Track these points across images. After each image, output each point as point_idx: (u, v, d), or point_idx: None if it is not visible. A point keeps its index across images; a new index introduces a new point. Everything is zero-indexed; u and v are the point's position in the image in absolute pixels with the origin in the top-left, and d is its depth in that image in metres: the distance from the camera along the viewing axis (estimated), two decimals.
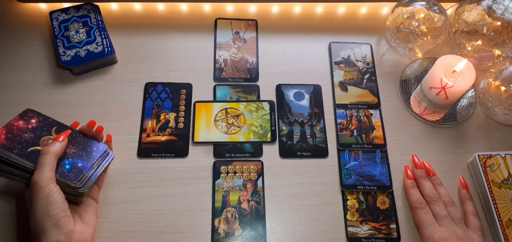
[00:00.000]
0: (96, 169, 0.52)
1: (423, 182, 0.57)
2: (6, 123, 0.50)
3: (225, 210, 0.57)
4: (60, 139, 0.49)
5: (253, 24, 0.73)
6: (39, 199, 0.44)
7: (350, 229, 0.56)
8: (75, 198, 0.49)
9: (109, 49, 0.65)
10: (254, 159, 0.61)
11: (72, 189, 0.48)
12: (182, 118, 0.63)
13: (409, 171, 0.59)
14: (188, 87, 0.66)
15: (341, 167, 0.61)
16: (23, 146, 0.48)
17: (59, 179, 0.47)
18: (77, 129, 0.54)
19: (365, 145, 0.63)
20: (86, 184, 0.49)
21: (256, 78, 0.68)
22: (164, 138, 0.62)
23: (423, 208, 0.54)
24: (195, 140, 0.62)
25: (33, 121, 0.52)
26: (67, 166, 0.49)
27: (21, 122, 0.51)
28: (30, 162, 0.47)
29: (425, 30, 0.66)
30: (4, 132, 0.49)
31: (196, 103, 0.65)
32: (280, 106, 0.65)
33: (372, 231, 0.56)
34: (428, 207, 0.55)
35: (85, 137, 0.54)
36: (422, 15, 0.66)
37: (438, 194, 0.56)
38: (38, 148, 0.49)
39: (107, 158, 0.54)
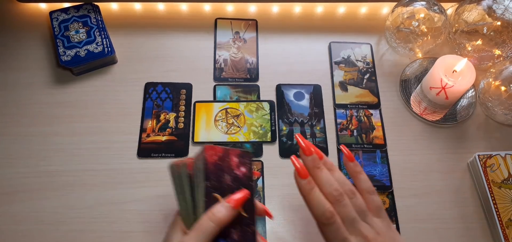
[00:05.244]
0: None
1: (318, 174, 0.41)
2: (228, 148, 0.42)
3: None
4: (232, 204, 0.38)
5: (253, 24, 0.73)
6: None
7: None
8: None
9: (109, 49, 0.65)
10: (254, 159, 0.61)
11: None
12: (182, 118, 0.63)
13: (298, 163, 0.41)
14: (188, 87, 0.66)
15: (341, 167, 0.61)
16: (215, 184, 0.39)
17: None
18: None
19: (365, 145, 0.63)
20: None
21: (256, 78, 0.68)
22: (164, 138, 0.62)
23: (332, 223, 0.39)
24: (195, 140, 0.62)
25: (243, 169, 0.42)
26: None
27: (236, 160, 0.42)
28: (206, 205, 0.38)
29: (425, 30, 0.66)
30: (219, 155, 0.40)
31: (196, 103, 0.65)
32: (280, 106, 0.65)
33: None
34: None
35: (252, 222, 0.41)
36: (422, 15, 0.66)
37: (338, 186, 0.41)
38: (218, 197, 0.39)
39: None
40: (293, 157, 0.42)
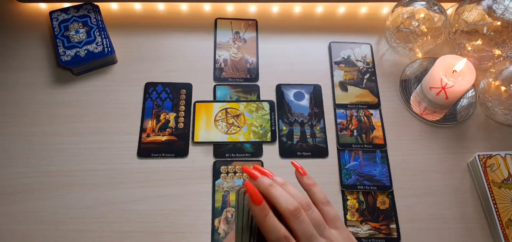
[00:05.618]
0: None
1: (272, 192, 0.38)
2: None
3: (225, 210, 0.57)
4: None
5: (253, 24, 0.73)
6: None
7: (350, 229, 0.56)
8: None
9: (109, 49, 0.65)
10: (254, 159, 0.61)
11: None
12: (182, 118, 0.63)
13: (251, 187, 0.38)
14: (188, 87, 0.66)
15: (341, 167, 0.61)
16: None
17: None
18: None
19: (365, 145, 0.63)
20: None
21: (256, 78, 0.68)
22: (164, 138, 0.62)
23: None
24: (195, 140, 0.62)
25: None
26: None
27: None
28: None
29: (425, 30, 0.66)
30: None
31: (196, 103, 0.65)
32: (280, 106, 0.65)
33: (372, 231, 0.56)
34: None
35: None
36: (422, 15, 0.66)
37: (294, 200, 0.39)
38: None
39: None
40: (247, 182, 0.39)
